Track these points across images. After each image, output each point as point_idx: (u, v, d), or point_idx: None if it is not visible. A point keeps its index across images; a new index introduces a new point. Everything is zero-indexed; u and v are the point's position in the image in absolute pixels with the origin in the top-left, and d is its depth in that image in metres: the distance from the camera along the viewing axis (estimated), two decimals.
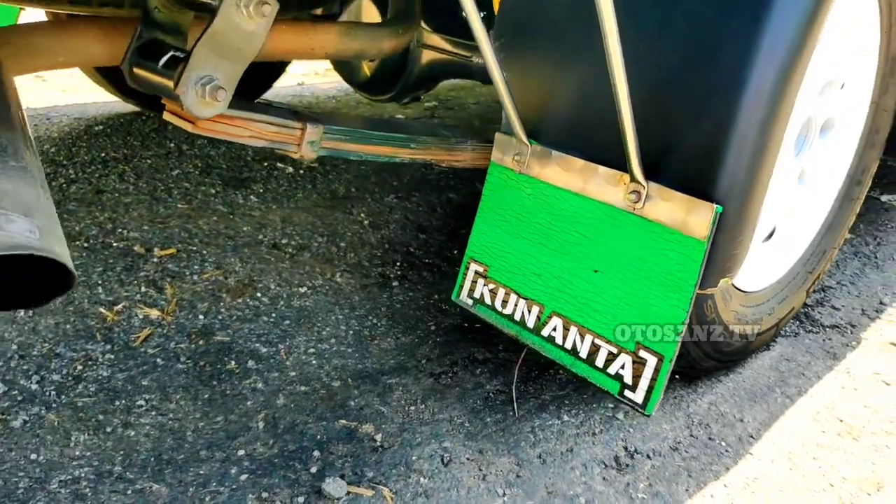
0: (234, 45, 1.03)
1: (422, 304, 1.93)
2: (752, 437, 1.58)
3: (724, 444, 1.55)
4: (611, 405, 1.60)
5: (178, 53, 1.05)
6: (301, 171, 2.68)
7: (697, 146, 1.13)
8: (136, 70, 1.10)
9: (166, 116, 1.16)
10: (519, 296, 1.34)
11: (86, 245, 2.02)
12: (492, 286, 1.38)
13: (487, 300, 1.39)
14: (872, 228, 2.72)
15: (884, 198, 2.96)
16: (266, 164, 2.70)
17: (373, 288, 1.98)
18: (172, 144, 2.81)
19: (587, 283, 1.26)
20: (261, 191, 2.48)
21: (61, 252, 0.79)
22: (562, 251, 1.28)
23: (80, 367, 1.55)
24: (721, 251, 1.18)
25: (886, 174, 3.01)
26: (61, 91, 3.58)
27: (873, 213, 2.81)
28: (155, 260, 1.99)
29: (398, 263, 2.12)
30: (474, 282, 1.40)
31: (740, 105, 1.08)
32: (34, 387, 1.48)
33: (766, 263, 1.65)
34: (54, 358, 1.57)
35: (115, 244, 2.05)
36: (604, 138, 1.21)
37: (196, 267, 1.98)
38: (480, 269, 1.39)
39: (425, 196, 2.61)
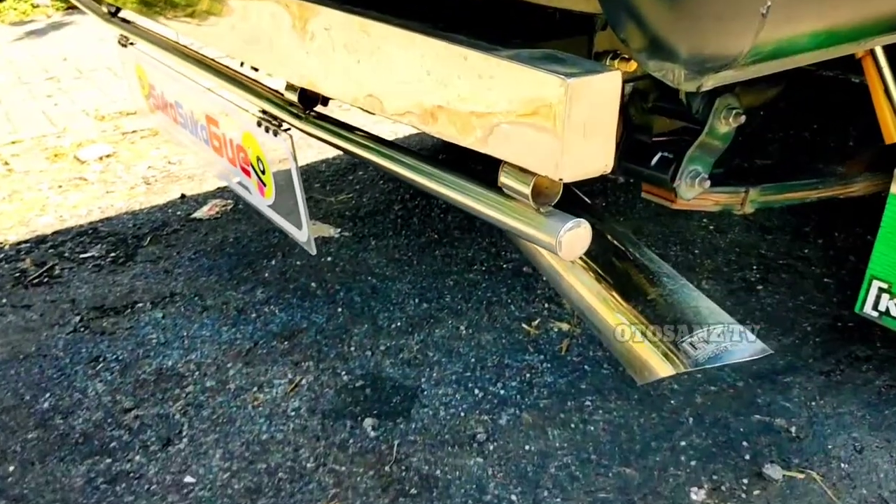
0: (713, 145, 1.35)
1: (790, 307, 2.17)
2: None
3: None
4: None
5: (666, 154, 1.39)
6: (620, 182, 2.99)
7: None
8: (628, 166, 1.46)
9: (645, 195, 1.51)
10: None
11: (483, 269, 2.47)
12: None
13: (893, 312, 1.61)
14: None
15: None
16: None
17: (740, 293, 2.24)
18: None
19: None
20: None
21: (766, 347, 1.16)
22: None
23: (528, 375, 1.97)
24: None
25: None
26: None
27: None
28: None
29: (754, 267, 2.37)
30: (878, 297, 1.63)
31: None
32: (502, 392, 1.92)
33: None
34: (505, 368, 2.01)
35: (504, 266, 2.49)
36: None
37: None
38: (884, 286, 1.61)
39: None
